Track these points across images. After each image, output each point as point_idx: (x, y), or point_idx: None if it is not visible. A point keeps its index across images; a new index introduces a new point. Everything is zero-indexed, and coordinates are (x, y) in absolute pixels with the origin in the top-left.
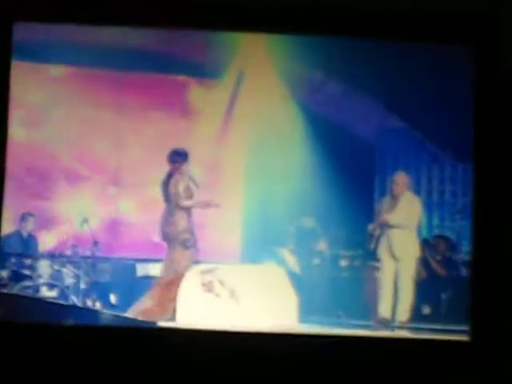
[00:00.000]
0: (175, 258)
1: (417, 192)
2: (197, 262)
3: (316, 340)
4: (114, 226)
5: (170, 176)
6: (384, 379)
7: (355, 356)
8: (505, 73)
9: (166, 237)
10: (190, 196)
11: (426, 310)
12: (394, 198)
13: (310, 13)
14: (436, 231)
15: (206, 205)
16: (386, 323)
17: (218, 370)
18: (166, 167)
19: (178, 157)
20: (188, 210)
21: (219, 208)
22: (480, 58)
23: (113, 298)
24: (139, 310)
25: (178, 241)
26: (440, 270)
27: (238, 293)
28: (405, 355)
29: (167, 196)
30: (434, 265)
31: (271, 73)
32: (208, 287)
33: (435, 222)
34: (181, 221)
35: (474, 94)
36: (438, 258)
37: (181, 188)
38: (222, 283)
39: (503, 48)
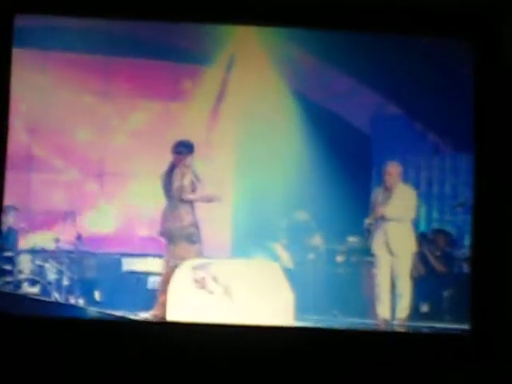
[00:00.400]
0: (179, 253)
1: (415, 183)
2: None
3: (313, 334)
4: (99, 219)
5: (172, 168)
6: (383, 374)
7: (351, 350)
8: (504, 68)
9: (168, 232)
10: (193, 190)
11: (425, 309)
12: (388, 190)
13: (307, 7)
14: (435, 225)
15: (210, 199)
16: (385, 323)
17: (205, 366)
18: (153, 157)
19: (184, 148)
20: (191, 203)
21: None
22: (480, 50)
23: (97, 295)
24: (154, 314)
25: (183, 236)
26: (439, 267)
27: (232, 290)
28: (403, 350)
29: (169, 189)
30: (433, 261)
31: (263, 60)
32: (201, 283)
33: (434, 215)
34: (185, 215)
35: (475, 86)
36: (437, 253)
37: (186, 181)
38: (215, 279)
39: (504, 41)
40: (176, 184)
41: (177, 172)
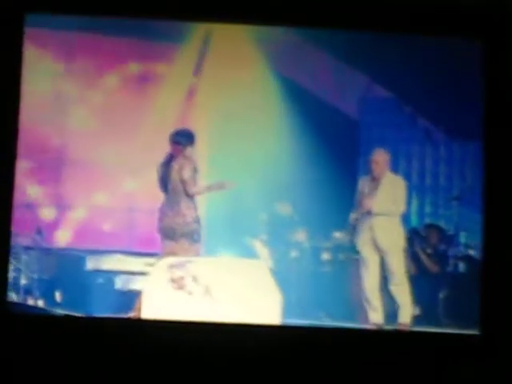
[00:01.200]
0: (178, 252)
1: (407, 174)
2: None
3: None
4: (60, 212)
5: (170, 159)
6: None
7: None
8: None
9: (169, 229)
10: (194, 183)
11: (417, 312)
12: (375, 180)
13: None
14: (427, 220)
15: (221, 186)
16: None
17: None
18: (122, 143)
19: (182, 138)
20: (193, 197)
21: None
22: (486, 44)
23: (58, 296)
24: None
25: (185, 233)
26: (430, 266)
27: (213, 290)
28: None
29: (166, 182)
30: (425, 260)
31: (241, 39)
32: (178, 284)
33: (427, 209)
34: (188, 210)
35: (484, 82)
36: (429, 250)
37: (186, 174)
38: (194, 279)
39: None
40: (175, 178)
41: (173, 165)
